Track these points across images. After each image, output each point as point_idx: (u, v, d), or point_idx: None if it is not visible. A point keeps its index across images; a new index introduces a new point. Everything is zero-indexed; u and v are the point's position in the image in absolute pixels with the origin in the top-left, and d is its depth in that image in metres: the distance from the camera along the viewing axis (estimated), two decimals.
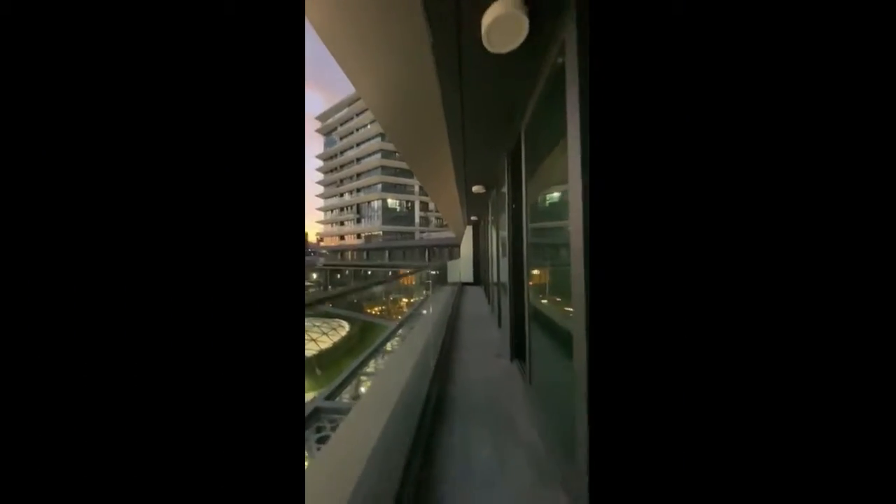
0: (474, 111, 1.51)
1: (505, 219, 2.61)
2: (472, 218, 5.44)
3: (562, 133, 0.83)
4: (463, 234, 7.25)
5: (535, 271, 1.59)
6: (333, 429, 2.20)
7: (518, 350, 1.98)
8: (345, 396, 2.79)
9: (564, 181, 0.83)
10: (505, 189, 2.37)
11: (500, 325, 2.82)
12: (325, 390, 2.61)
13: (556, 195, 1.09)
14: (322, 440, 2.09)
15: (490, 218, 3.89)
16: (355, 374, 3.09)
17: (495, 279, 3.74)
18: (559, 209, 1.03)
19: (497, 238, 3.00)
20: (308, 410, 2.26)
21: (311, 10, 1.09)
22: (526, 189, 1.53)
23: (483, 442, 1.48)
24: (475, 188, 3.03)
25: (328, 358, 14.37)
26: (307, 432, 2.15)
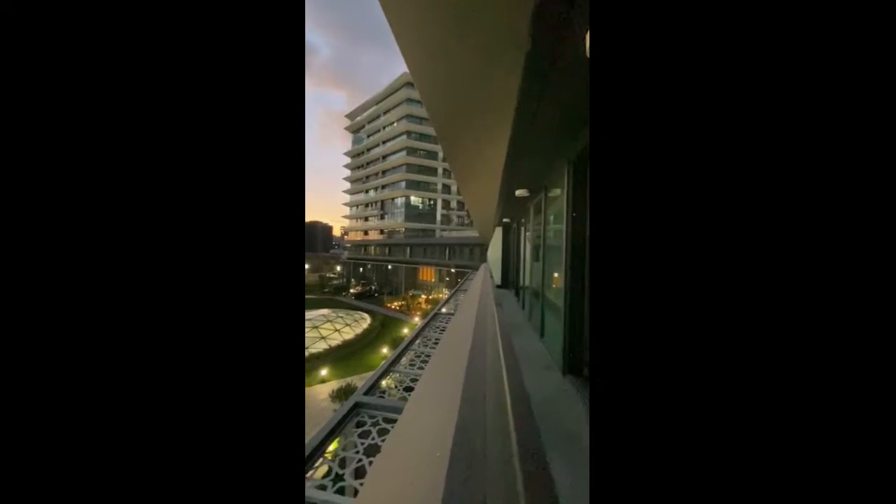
0: (548, 117, 1.45)
1: (550, 224, 2.51)
2: (505, 220, 5.33)
3: None
4: (491, 235, 7.14)
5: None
6: (374, 424, 2.26)
7: (572, 364, 1.90)
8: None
9: None
10: (556, 195, 2.27)
11: (542, 335, 2.73)
12: (363, 386, 2.69)
13: None
14: (363, 435, 2.15)
15: (528, 221, 3.78)
16: (388, 371, 3.16)
17: (527, 283, 3.63)
18: None
19: (541, 241, 2.90)
20: (349, 405, 2.34)
21: None
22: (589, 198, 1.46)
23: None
24: (518, 191, 2.95)
25: (352, 348, 14.97)
26: (349, 427, 2.22)
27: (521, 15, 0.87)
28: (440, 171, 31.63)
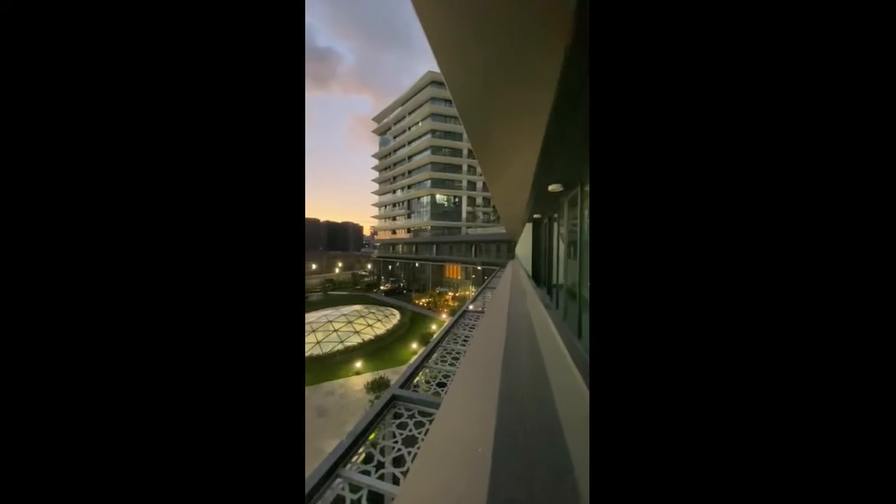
0: (587, 111, 1.38)
1: (587, 220, 2.38)
2: (535, 216, 5.16)
3: None
4: (520, 231, 6.96)
5: None
6: (410, 416, 2.36)
7: None
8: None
9: None
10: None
11: (579, 335, 2.62)
12: (399, 380, 2.81)
13: None
14: (401, 426, 2.25)
15: (562, 217, 3.63)
16: (421, 367, 3.26)
17: (562, 281, 3.49)
18: None
19: (578, 238, 2.77)
20: (387, 397, 2.46)
21: None
22: None
23: None
24: (552, 186, 2.84)
25: (383, 343, 15.61)
26: (387, 418, 2.34)
27: (563, 5, 0.84)
28: (465, 167, 31.48)
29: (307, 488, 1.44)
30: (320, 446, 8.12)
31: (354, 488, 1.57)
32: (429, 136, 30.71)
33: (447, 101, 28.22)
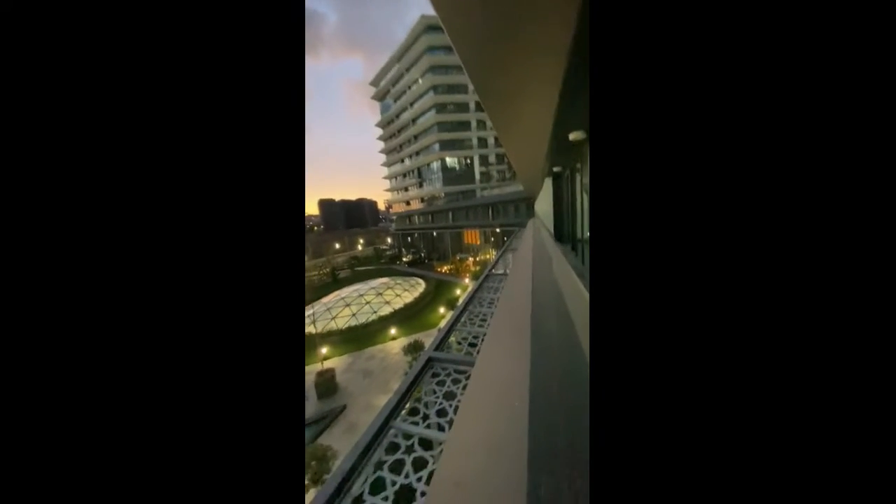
0: None
1: None
2: (555, 169, 4.82)
3: None
4: (539, 187, 6.60)
5: None
6: (447, 375, 2.59)
7: None
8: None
9: None
10: None
11: None
12: (432, 343, 3.03)
13: None
14: (440, 383, 2.49)
15: (584, 166, 3.36)
16: (451, 330, 3.46)
17: (587, 235, 3.36)
18: None
19: None
20: (423, 360, 2.69)
21: None
22: None
23: None
24: (573, 134, 2.58)
25: (412, 310, 16.63)
26: (426, 377, 2.59)
27: None
28: (473, 123, 29.30)
29: (367, 439, 1.68)
30: (371, 402, 9.30)
31: (406, 435, 1.82)
32: (431, 93, 28.40)
33: (447, 48, 25.34)
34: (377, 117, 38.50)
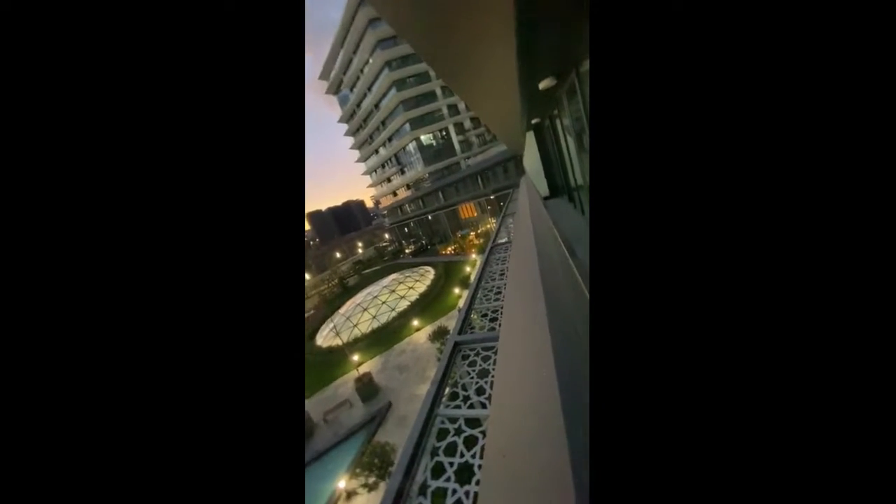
0: None
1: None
2: (534, 121, 4.64)
3: None
4: (523, 142, 6.40)
5: None
6: (476, 354, 2.71)
7: None
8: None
9: None
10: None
11: None
12: (455, 328, 3.13)
13: None
14: (471, 364, 2.62)
15: (562, 112, 3.24)
16: (469, 311, 3.57)
17: (580, 182, 3.31)
18: None
19: (584, 126, 2.51)
20: (450, 346, 2.80)
21: None
22: None
23: None
24: (543, 83, 2.46)
25: (428, 298, 17.00)
26: (457, 361, 2.72)
27: None
28: (439, 91, 27.88)
29: (416, 432, 1.82)
30: (413, 392, 9.86)
31: (452, 419, 1.95)
32: (386, 71, 26.82)
33: None
34: (338, 113, 36.84)
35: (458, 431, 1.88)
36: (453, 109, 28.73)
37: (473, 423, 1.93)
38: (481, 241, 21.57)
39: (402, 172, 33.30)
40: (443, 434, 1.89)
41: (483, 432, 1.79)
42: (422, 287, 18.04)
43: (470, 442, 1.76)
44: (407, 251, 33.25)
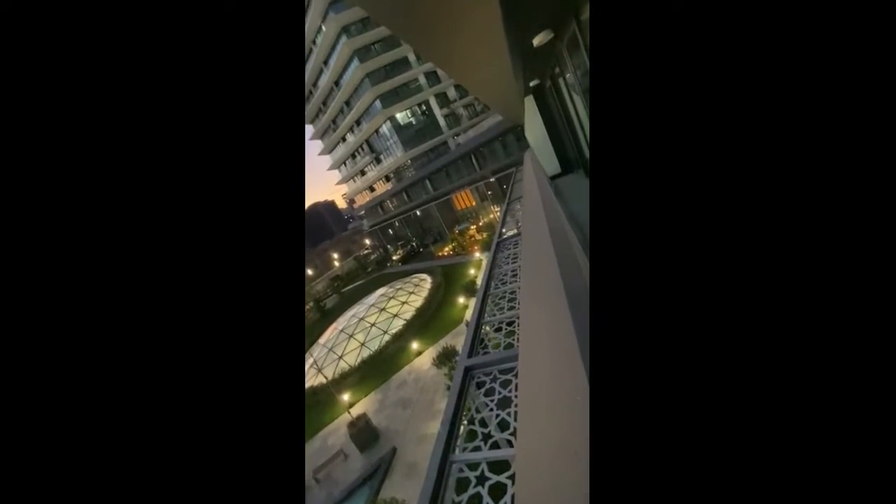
0: None
1: None
2: (532, 83, 4.68)
3: None
4: (521, 110, 6.43)
5: None
6: (493, 380, 2.72)
7: None
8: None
9: None
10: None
11: None
12: (463, 350, 3.14)
13: None
14: (489, 392, 2.62)
15: (565, 67, 3.28)
16: (479, 326, 3.57)
17: None
18: None
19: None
20: (460, 372, 2.81)
21: None
22: None
23: None
24: (538, 38, 2.49)
25: (427, 312, 16.98)
26: (471, 390, 2.72)
27: None
28: (412, 57, 27.88)
29: (430, 486, 1.82)
30: (421, 431, 9.85)
31: (472, 466, 1.95)
32: (344, 38, 26.74)
33: None
34: None
35: (482, 480, 1.88)
36: (433, 77, 28.70)
37: (499, 467, 1.93)
38: (485, 235, 21.64)
39: (378, 161, 33.26)
40: (463, 486, 1.89)
41: (511, 477, 1.79)
42: (418, 300, 18.01)
43: (497, 492, 1.76)
44: (394, 258, 33.22)
